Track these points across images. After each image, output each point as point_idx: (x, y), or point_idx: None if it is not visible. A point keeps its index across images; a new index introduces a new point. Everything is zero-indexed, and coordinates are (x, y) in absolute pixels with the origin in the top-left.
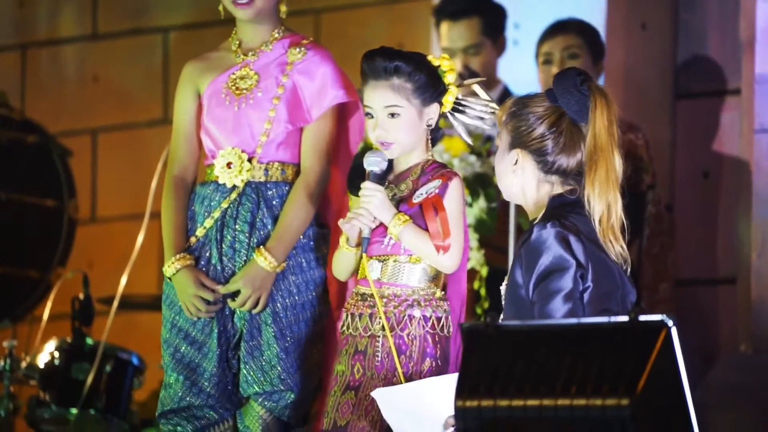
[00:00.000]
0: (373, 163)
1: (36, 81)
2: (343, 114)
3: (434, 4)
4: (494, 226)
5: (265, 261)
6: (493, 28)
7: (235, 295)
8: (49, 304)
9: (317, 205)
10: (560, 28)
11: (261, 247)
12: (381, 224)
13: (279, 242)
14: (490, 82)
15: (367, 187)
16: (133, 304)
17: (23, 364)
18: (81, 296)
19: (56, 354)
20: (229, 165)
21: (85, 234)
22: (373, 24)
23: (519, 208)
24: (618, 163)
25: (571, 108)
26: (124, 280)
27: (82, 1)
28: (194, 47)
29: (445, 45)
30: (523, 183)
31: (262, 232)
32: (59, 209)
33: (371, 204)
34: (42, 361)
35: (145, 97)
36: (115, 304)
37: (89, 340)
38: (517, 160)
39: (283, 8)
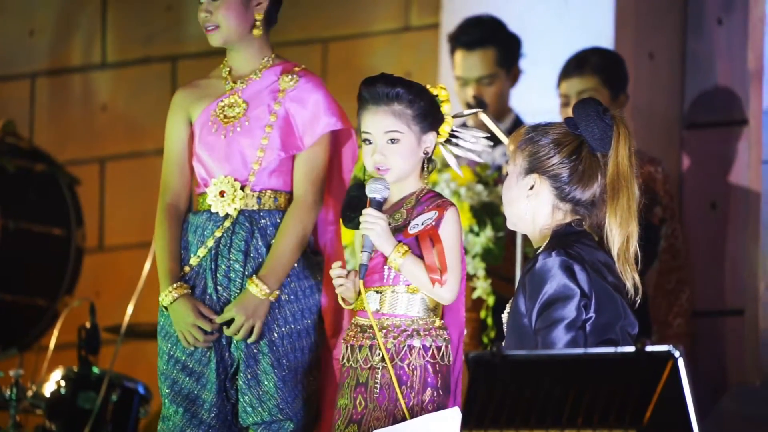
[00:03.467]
0: (375, 191)
1: (44, 109)
2: (335, 141)
3: (448, 33)
4: (501, 255)
5: (257, 289)
6: (507, 58)
7: (229, 323)
8: (55, 333)
9: (309, 233)
10: (577, 67)
11: (254, 275)
12: (376, 256)
13: (271, 270)
14: (503, 111)
15: (369, 213)
16: (139, 332)
17: (29, 393)
18: (88, 325)
19: (62, 383)
20: (222, 194)
21: (92, 262)
22: (381, 53)
23: (525, 238)
24: (637, 193)
25: (594, 136)
26: (130, 308)
27: (92, 30)
28: (204, 75)
29: (458, 74)
30: (535, 209)
31: (256, 261)
32: (67, 238)
33: (373, 231)
34: (48, 390)
35: (153, 125)
36: (122, 332)
37: (95, 369)
38: (533, 185)
39: (257, 32)
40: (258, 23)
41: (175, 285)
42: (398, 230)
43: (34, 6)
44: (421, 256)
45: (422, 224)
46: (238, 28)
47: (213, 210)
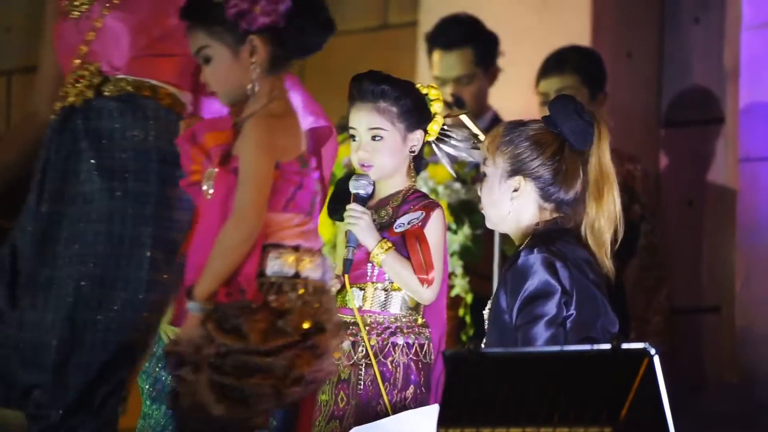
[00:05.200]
0: (359, 186)
1: (22, 107)
2: (315, 139)
3: (426, 32)
4: (479, 254)
5: None
6: (485, 57)
7: None
8: None
9: None
10: (556, 66)
11: None
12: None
13: None
14: (481, 109)
15: (354, 208)
16: None
17: None
18: None
19: None
20: None
21: None
22: (359, 51)
23: (503, 236)
24: (617, 189)
25: (573, 133)
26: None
27: None
28: None
29: (436, 74)
30: (519, 210)
31: None
32: None
33: (357, 227)
34: None
35: None
36: None
37: None
38: (517, 188)
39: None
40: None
41: None
42: (383, 227)
43: (10, 2)
44: (405, 255)
45: (408, 223)
46: None
47: None
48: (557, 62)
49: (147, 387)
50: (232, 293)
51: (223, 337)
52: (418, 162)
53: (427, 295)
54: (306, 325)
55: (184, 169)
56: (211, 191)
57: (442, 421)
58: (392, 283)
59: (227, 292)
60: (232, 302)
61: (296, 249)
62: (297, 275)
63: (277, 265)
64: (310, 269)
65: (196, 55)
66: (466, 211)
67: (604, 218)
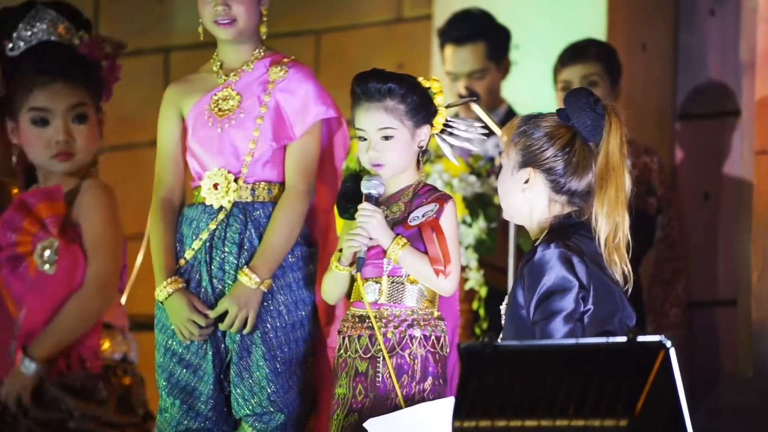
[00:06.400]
0: (371, 187)
1: None
2: (327, 130)
3: (439, 27)
4: (494, 247)
5: (248, 279)
6: (498, 51)
7: (224, 317)
8: None
9: (302, 223)
10: (579, 54)
11: (245, 266)
12: (375, 246)
13: (262, 260)
14: (495, 103)
15: (365, 207)
16: (132, 323)
17: None
18: None
19: None
20: (215, 186)
21: None
22: (374, 45)
23: (519, 229)
24: (628, 182)
25: (585, 126)
26: (123, 300)
27: None
28: (195, 67)
29: (449, 69)
30: (531, 202)
31: (250, 253)
32: None
33: (369, 224)
34: None
35: (145, 117)
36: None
37: None
38: (528, 179)
39: (263, 29)
40: (264, 19)
41: (169, 279)
42: (396, 223)
43: None
44: (422, 248)
45: (423, 216)
46: (251, 22)
47: (207, 203)
48: (579, 51)
49: (163, 382)
50: (72, 364)
51: (76, 402)
52: (424, 155)
53: (447, 286)
54: (141, 411)
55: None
56: (49, 263)
57: (458, 413)
58: (408, 275)
59: (67, 362)
60: (79, 372)
61: (121, 331)
62: (125, 358)
63: (111, 345)
64: (125, 351)
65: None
66: (481, 204)
67: (603, 211)
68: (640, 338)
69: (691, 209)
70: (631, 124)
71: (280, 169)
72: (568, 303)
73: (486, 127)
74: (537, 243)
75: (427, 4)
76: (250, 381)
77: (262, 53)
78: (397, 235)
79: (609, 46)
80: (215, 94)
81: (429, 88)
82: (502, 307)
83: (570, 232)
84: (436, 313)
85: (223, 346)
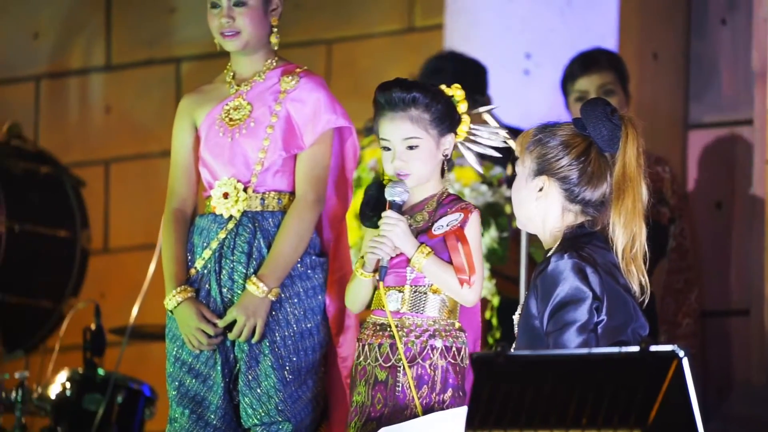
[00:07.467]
0: (396, 194)
1: (49, 112)
2: (338, 140)
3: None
4: (506, 256)
5: (255, 288)
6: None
7: (232, 326)
8: (61, 335)
9: (311, 232)
10: (592, 64)
11: (253, 275)
12: (398, 255)
13: (270, 269)
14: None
15: (390, 215)
16: (144, 334)
17: (35, 395)
18: (93, 327)
19: (68, 385)
20: (225, 195)
21: (97, 264)
22: (385, 54)
23: (530, 238)
24: (644, 193)
25: (602, 137)
26: (135, 310)
27: (96, 33)
28: (206, 77)
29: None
30: (545, 211)
31: (258, 262)
32: (72, 240)
33: (393, 233)
34: (53, 392)
35: (157, 127)
36: (127, 334)
37: (101, 371)
38: (542, 188)
39: (274, 40)
40: (275, 29)
41: (179, 289)
42: (420, 232)
43: (38, 9)
44: (445, 258)
45: (447, 225)
46: (257, 34)
47: (217, 212)
48: (592, 60)
49: (173, 392)
50: None
51: None
52: (448, 164)
53: (470, 296)
54: None
55: None
56: None
57: (470, 422)
58: (431, 285)
59: None
60: None
61: None
62: None
63: None
64: None
65: None
66: (493, 213)
67: (620, 222)
68: (653, 348)
69: (703, 218)
70: (642, 133)
71: (290, 178)
72: (581, 314)
73: (502, 130)
74: (550, 253)
75: (439, 13)
76: (258, 390)
77: (275, 63)
78: (422, 243)
79: (617, 55)
80: (227, 104)
81: (452, 96)
82: (515, 317)
83: (583, 242)
84: (457, 324)
85: (232, 355)
